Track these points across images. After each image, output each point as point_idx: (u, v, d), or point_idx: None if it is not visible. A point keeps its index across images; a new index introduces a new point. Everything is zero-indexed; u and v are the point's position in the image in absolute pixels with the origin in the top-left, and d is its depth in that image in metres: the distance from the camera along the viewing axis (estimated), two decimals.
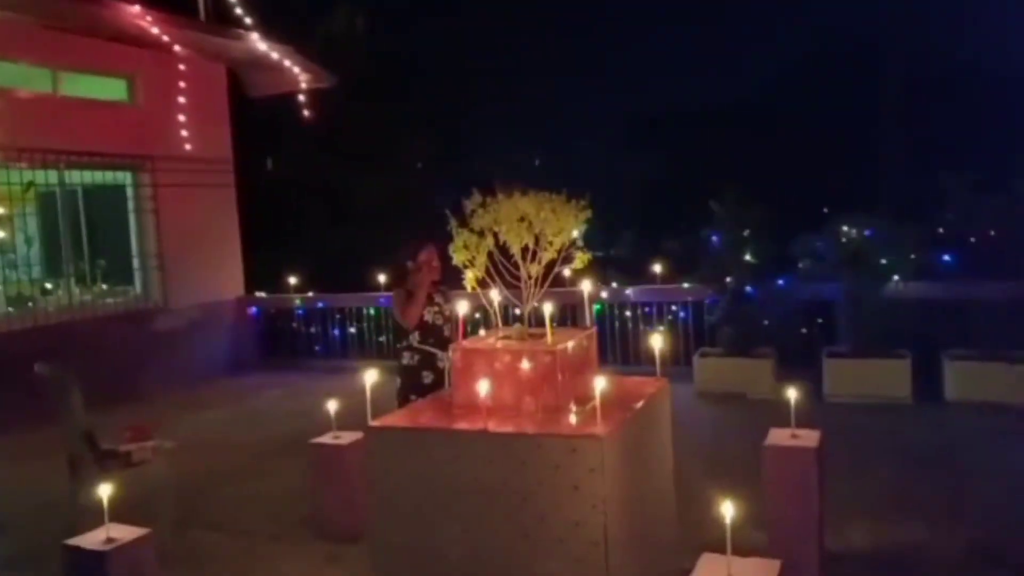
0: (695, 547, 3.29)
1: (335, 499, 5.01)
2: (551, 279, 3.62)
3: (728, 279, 8.14)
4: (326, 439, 5.11)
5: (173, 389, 9.44)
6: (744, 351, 8.10)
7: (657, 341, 3.82)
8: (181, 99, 10.42)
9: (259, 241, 11.96)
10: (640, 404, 3.54)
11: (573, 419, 3.33)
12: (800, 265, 8.01)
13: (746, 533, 4.44)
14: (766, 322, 8.13)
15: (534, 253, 3.52)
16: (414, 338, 5.12)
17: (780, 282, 8.12)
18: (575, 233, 3.56)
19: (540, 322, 3.56)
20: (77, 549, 3.57)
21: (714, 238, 8.23)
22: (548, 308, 3.45)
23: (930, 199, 7.45)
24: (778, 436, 4.03)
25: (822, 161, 12.59)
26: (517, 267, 3.60)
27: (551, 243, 3.46)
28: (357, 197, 13.95)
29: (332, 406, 5.11)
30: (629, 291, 9.25)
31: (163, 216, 10.27)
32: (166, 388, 9.38)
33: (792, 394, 4.02)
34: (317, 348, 11.24)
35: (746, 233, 8.19)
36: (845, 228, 7.67)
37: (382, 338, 10.81)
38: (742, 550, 2.96)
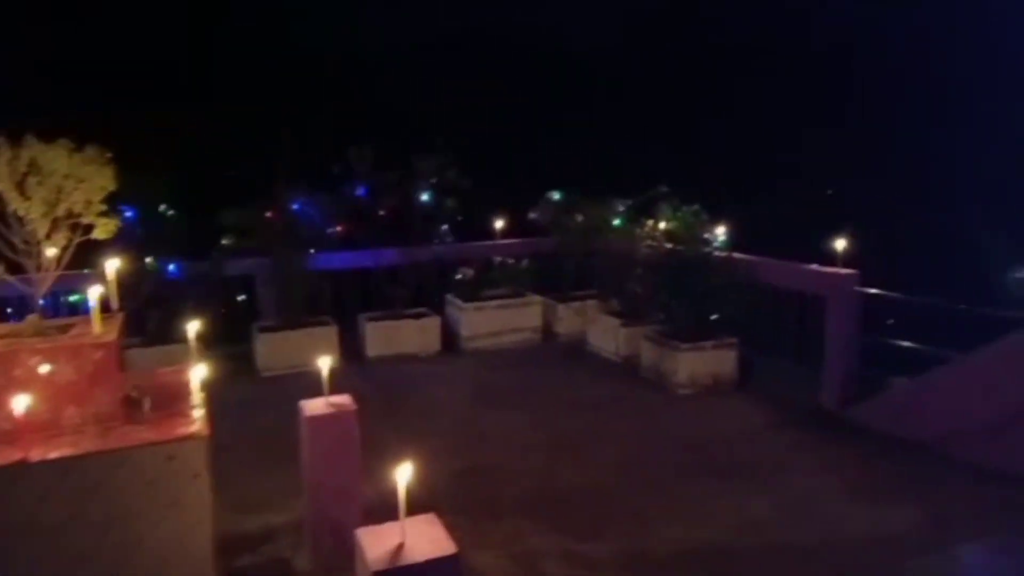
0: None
1: None
2: (70, 254, 2.82)
3: (148, 260, 7.39)
4: None
5: None
6: (170, 337, 7.48)
7: (192, 327, 3.35)
8: None
9: None
10: (199, 395, 3.07)
11: (141, 423, 2.70)
12: (224, 241, 7.79)
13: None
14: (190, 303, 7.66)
15: (54, 220, 2.69)
16: None
17: (206, 260, 7.76)
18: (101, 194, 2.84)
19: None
20: None
21: (128, 214, 7.34)
22: (96, 290, 2.67)
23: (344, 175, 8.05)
24: (315, 406, 3.95)
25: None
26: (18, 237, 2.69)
27: (89, 204, 2.68)
28: None
29: None
30: None
31: None
32: None
33: (326, 362, 3.99)
34: None
35: (162, 208, 7.58)
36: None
37: None
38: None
